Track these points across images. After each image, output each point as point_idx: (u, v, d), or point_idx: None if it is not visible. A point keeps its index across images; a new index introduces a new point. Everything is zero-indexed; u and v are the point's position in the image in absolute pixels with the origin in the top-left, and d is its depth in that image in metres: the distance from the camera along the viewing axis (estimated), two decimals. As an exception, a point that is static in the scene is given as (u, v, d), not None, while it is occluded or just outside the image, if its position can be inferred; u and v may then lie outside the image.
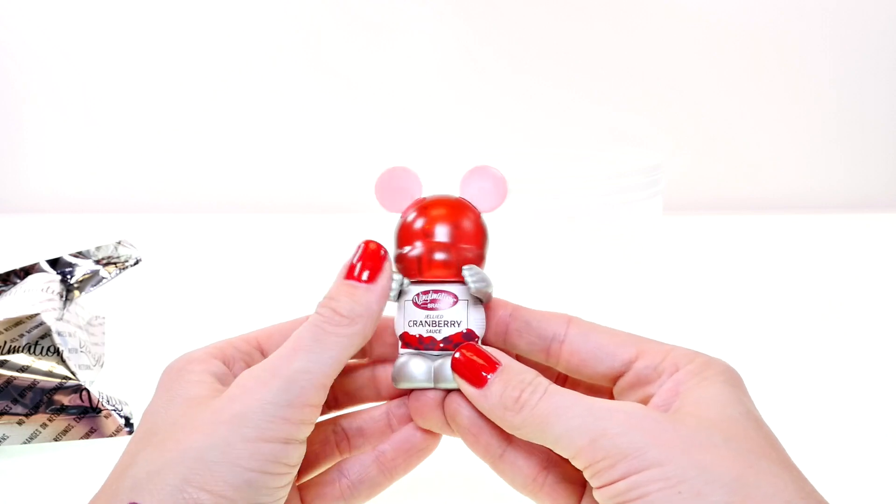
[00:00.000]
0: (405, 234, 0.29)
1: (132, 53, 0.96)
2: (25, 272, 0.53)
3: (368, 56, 0.95)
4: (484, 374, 0.26)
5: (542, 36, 0.94)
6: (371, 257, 0.27)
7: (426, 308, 0.28)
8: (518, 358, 0.28)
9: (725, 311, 0.62)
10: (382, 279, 0.27)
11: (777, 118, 0.97)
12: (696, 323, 0.59)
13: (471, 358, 0.26)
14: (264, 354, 0.28)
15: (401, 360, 0.28)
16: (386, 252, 0.27)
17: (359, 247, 0.27)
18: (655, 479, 0.21)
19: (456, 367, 0.27)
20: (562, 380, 0.30)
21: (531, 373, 0.26)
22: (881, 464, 0.40)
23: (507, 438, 0.27)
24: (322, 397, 0.25)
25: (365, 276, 0.26)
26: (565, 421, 0.23)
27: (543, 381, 0.25)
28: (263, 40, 0.95)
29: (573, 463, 0.24)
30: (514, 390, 0.25)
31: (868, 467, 0.40)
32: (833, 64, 0.95)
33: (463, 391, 0.27)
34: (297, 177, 0.99)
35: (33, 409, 0.42)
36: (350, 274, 0.26)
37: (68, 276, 0.52)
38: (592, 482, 0.23)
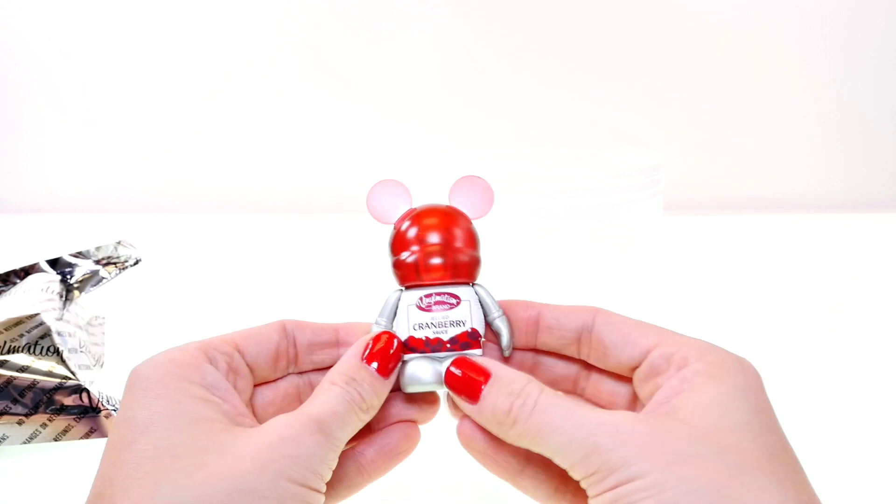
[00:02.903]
0: (400, 243, 0.29)
1: (132, 53, 0.96)
2: (25, 272, 0.53)
3: (368, 56, 0.95)
4: (477, 387, 0.26)
5: (542, 36, 0.94)
6: (389, 354, 0.28)
7: (430, 310, 0.28)
8: (547, 354, 0.29)
9: (725, 312, 0.62)
10: (394, 376, 0.28)
11: (777, 118, 0.97)
12: (696, 323, 0.59)
13: (464, 373, 0.27)
14: (243, 356, 0.28)
15: (408, 364, 0.28)
16: (401, 350, 0.28)
17: (379, 337, 0.28)
18: (639, 489, 0.22)
19: (450, 383, 0.27)
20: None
21: (521, 381, 0.26)
22: (880, 464, 0.40)
23: (526, 455, 0.27)
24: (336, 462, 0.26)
25: (379, 366, 0.27)
26: (557, 436, 0.24)
27: (534, 391, 0.25)
28: (263, 41, 0.95)
29: (570, 474, 0.24)
30: (504, 402, 0.25)
31: (867, 468, 0.40)
32: (833, 64, 0.95)
33: (461, 408, 0.27)
34: (297, 177, 0.99)
35: (33, 409, 0.42)
36: (367, 358, 0.27)
37: (68, 276, 0.52)
38: (588, 492, 0.24)
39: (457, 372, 0.27)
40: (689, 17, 0.93)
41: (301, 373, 0.30)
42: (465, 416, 0.28)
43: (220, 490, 0.22)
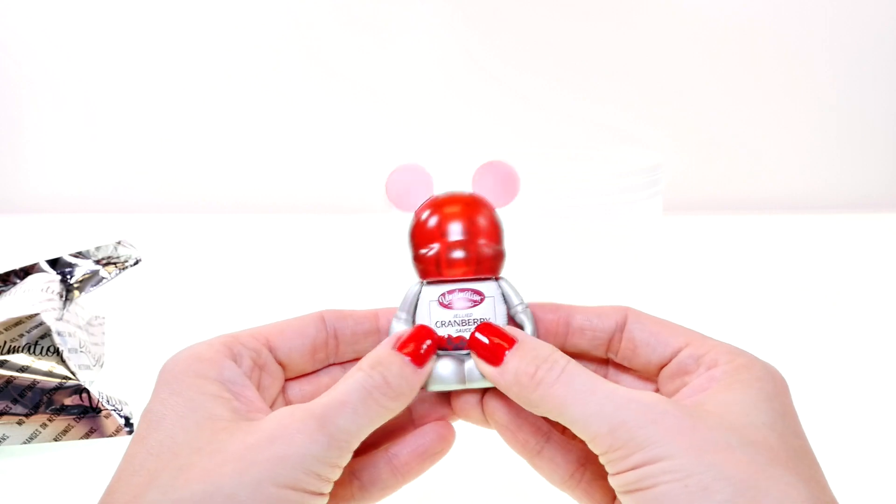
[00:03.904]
0: (421, 235, 0.28)
1: (132, 53, 0.96)
2: (25, 272, 0.53)
3: (368, 56, 0.95)
4: (501, 351, 0.26)
5: (542, 36, 0.94)
6: (425, 345, 0.27)
7: (453, 308, 0.28)
8: (574, 355, 0.29)
9: (725, 312, 0.62)
10: (428, 367, 0.27)
11: (777, 118, 0.97)
12: (695, 323, 0.59)
13: (489, 337, 0.27)
14: (275, 351, 0.28)
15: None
16: (437, 345, 0.28)
17: (418, 330, 0.27)
18: (665, 471, 0.22)
19: (473, 345, 0.27)
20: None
21: (547, 348, 0.26)
22: (880, 465, 0.40)
23: (545, 435, 0.28)
24: (349, 459, 0.25)
25: (413, 356, 0.27)
26: (584, 406, 0.24)
27: (561, 358, 0.25)
28: (263, 40, 0.95)
29: (589, 446, 0.24)
30: (529, 366, 0.25)
31: (866, 468, 0.40)
32: (833, 64, 0.95)
33: (480, 370, 0.27)
34: (298, 177, 0.99)
35: (33, 409, 0.42)
36: (401, 347, 0.27)
37: (68, 276, 0.52)
38: (607, 468, 0.24)
39: (482, 338, 0.27)
40: (689, 17, 0.93)
41: (343, 363, 0.29)
42: (493, 389, 0.27)
43: (196, 493, 0.22)
